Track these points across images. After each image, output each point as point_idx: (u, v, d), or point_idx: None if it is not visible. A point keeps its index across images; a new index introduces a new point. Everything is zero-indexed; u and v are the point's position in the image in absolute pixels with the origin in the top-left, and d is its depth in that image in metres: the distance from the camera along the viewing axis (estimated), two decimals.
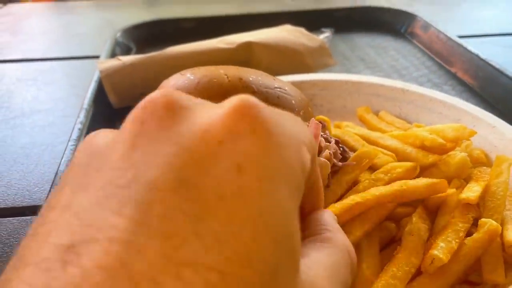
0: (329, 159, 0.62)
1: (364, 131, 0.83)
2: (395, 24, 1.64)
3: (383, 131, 0.84)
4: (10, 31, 1.72)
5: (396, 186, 0.61)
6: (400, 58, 1.39)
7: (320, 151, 0.63)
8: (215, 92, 0.68)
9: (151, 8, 2.14)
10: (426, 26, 1.50)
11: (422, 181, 0.63)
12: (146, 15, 1.93)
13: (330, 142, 0.66)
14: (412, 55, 1.42)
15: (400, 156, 0.73)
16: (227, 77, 0.69)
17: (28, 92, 1.20)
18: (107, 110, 1.04)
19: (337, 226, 0.32)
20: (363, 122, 0.92)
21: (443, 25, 1.46)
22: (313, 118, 0.64)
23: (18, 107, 1.12)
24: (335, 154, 0.65)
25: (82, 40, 1.62)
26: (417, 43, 1.51)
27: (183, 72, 0.74)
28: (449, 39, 1.35)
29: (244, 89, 0.68)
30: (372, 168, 0.69)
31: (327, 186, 0.62)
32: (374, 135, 0.80)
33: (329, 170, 0.62)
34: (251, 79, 0.70)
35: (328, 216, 0.34)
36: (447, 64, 1.32)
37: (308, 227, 0.32)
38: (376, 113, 0.95)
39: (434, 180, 0.63)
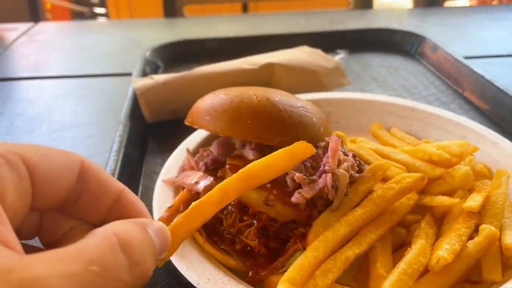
0: (347, 171, 0.71)
1: (377, 146, 0.92)
2: (405, 45, 1.73)
3: (394, 146, 0.93)
4: (44, 49, 1.84)
5: (242, 169, 0.51)
6: (410, 78, 1.48)
7: (339, 163, 0.71)
8: (245, 111, 0.77)
9: (172, 27, 2.26)
10: (435, 47, 1.58)
11: (277, 153, 0.53)
12: (168, 34, 2.05)
13: (348, 156, 0.74)
14: (422, 74, 1.50)
15: (410, 169, 0.81)
16: (256, 97, 0.78)
17: (67, 107, 1.30)
18: (141, 124, 1.14)
19: (121, 222, 0.38)
20: (376, 137, 1.01)
21: (451, 46, 1.54)
22: (334, 134, 0.73)
23: (58, 120, 1.22)
24: (352, 166, 0.73)
25: (111, 58, 1.73)
26: (426, 63, 1.59)
27: (216, 92, 0.83)
28: (456, 60, 1.43)
29: (272, 108, 0.77)
30: (385, 179, 0.78)
31: (345, 195, 0.71)
32: (386, 149, 0.88)
33: (348, 181, 0.70)
34: (277, 99, 0.79)
35: (125, 222, 0.39)
36: (454, 84, 1.40)
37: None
38: (388, 130, 1.03)
39: (283, 149, 0.54)
